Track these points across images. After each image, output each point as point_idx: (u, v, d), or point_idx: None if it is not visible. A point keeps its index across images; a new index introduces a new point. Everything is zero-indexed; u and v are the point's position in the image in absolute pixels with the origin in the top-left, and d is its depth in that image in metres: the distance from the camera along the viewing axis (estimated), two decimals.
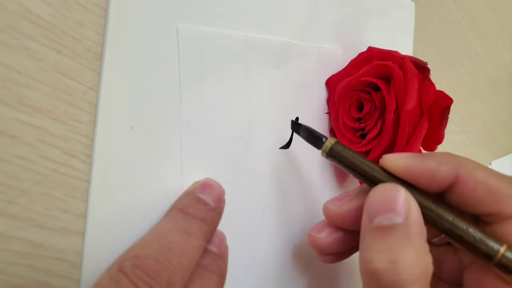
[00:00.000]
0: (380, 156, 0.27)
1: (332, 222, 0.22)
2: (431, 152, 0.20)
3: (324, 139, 0.22)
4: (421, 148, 0.27)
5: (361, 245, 0.19)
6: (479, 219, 0.19)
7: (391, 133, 0.25)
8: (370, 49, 0.29)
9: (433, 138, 0.26)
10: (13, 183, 0.16)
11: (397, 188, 0.18)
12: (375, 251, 0.18)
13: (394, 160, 0.20)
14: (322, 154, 0.22)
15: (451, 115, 0.25)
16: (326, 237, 0.22)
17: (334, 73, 0.30)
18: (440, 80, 0.46)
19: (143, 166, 0.20)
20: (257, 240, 0.25)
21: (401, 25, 0.37)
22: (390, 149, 0.26)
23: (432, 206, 0.19)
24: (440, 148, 0.29)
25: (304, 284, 0.28)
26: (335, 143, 0.21)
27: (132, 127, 0.19)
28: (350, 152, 0.21)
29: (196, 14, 0.22)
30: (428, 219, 0.19)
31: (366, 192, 0.20)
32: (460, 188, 0.19)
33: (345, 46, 0.31)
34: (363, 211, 0.19)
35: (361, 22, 0.32)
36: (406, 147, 0.25)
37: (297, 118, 0.26)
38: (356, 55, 0.30)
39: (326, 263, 0.24)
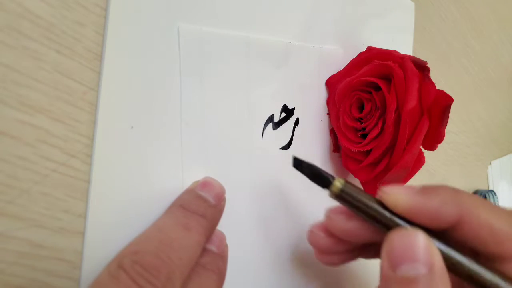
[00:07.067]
0: (381, 156, 0.27)
1: (318, 250, 0.23)
2: (433, 188, 0.20)
3: (331, 179, 0.20)
4: (421, 147, 0.27)
5: None
6: (479, 255, 0.19)
7: (392, 132, 0.25)
8: (369, 49, 0.29)
9: (434, 137, 0.26)
10: (13, 183, 0.16)
11: (417, 234, 0.18)
12: None
13: (396, 196, 0.19)
14: (330, 195, 0.21)
15: (451, 115, 0.25)
16: (325, 236, 0.22)
17: (334, 73, 0.30)
18: (440, 80, 0.46)
19: (143, 166, 0.20)
20: (257, 240, 0.25)
21: (401, 25, 0.37)
22: (391, 148, 0.26)
23: (450, 251, 0.18)
24: (440, 148, 0.29)
25: (305, 285, 0.28)
26: (345, 183, 0.20)
27: (132, 127, 0.19)
28: (361, 192, 0.20)
29: (197, 14, 0.22)
30: (448, 266, 0.18)
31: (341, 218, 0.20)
32: (463, 229, 0.19)
33: (345, 46, 0.31)
34: (381, 257, 0.19)
35: (361, 22, 0.32)
36: (407, 147, 0.25)
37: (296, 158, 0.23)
38: (356, 55, 0.30)
39: (324, 264, 0.24)
